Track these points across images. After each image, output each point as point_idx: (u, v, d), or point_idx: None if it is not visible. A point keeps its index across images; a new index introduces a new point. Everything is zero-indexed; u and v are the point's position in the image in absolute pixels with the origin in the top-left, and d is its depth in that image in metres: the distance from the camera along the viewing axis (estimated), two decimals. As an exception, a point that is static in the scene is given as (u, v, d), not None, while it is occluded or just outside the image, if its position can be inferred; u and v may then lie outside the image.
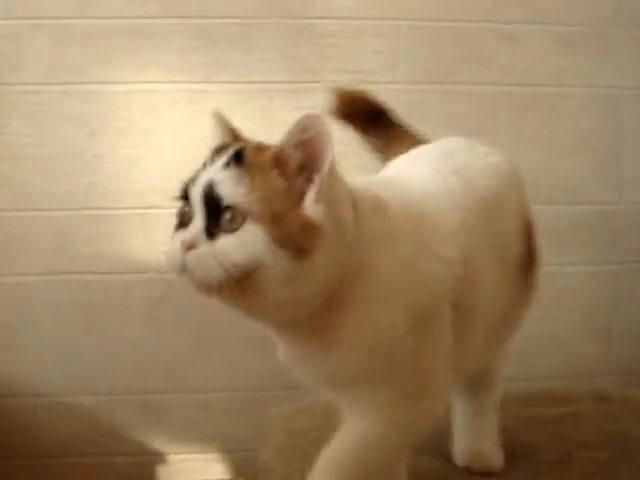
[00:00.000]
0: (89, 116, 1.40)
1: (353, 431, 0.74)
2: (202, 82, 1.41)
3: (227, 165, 0.67)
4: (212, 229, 0.65)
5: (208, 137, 1.40)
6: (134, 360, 1.45)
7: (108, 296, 1.43)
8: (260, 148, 0.68)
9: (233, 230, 0.64)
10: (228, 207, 0.65)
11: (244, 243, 0.64)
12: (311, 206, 0.65)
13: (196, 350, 1.46)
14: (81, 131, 1.41)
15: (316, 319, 0.69)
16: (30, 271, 1.42)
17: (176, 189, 0.69)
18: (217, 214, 0.65)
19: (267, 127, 1.41)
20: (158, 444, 1.46)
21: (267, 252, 0.64)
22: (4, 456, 1.43)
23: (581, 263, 1.50)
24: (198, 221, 0.66)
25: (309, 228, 0.65)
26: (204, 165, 0.70)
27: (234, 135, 0.75)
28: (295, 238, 0.64)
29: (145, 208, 1.42)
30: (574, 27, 1.45)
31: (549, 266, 1.46)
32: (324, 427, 1.00)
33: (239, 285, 0.64)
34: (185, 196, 0.69)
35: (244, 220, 0.64)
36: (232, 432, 1.45)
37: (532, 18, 1.44)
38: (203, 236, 0.65)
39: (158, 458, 1.46)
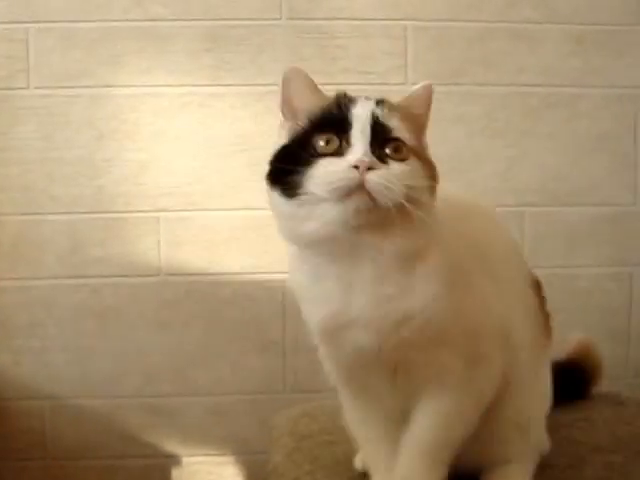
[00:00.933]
0: (97, 120, 1.43)
1: (430, 413, 0.79)
2: (210, 85, 1.44)
3: (381, 104, 0.75)
4: (382, 156, 0.72)
5: (216, 138, 1.44)
6: (145, 363, 1.49)
7: (119, 300, 1.47)
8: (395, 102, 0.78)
9: (400, 159, 0.73)
10: (396, 139, 0.74)
11: (416, 171, 0.73)
12: (427, 154, 0.77)
13: (207, 353, 1.49)
14: (89, 135, 1.44)
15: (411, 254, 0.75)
16: (40, 275, 1.46)
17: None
18: (382, 144, 0.73)
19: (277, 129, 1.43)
20: (170, 447, 1.50)
21: (424, 179, 0.73)
22: (17, 459, 1.48)
23: (597, 265, 1.53)
24: (365, 145, 0.72)
25: (434, 169, 0.77)
26: (342, 103, 0.76)
27: (314, 86, 0.81)
28: (433, 174, 0.76)
29: (155, 211, 1.46)
30: (589, 26, 1.47)
31: (566, 268, 1.51)
32: (329, 430, 1.05)
33: (412, 205, 0.71)
34: (332, 129, 0.73)
35: (409, 154, 0.74)
36: (245, 434, 1.49)
37: (545, 17, 1.46)
38: (376, 160, 0.71)
39: (171, 461, 1.49)
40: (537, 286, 0.91)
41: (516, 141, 1.48)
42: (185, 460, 1.50)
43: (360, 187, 0.69)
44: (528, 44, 1.46)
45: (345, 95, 0.78)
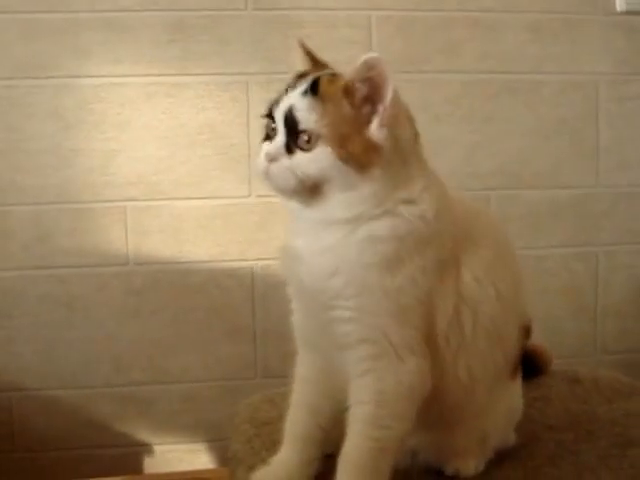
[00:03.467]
0: (64, 110, 1.54)
1: (365, 389, 0.88)
2: (177, 74, 1.55)
3: (305, 93, 0.86)
4: (291, 146, 0.86)
5: (182, 128, 1.52)
6: (115, 352, 1.60)
7: (87, 289, 1.58)
8: (333, 79, 0.88)
9: (308, 149, 0.85)
10: (304, 130, 0.85)
11: (316, 160, 0.85)
12: (376, 130, 0.85)
13: (177, 341, 1.62)
14: (56, 125, 1.54)
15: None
16: (7, 266, 1.56)
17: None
18: (295, 134, 0.85)
19: (243, 118, 1.54)
20: (142, 435, 1.62)
21: (334, 167, 0.85)
22: (-16, 452, 1.58)
23: (562, 246, 1.69)
24: (280, 138, 0.87)
25: (370, 149, 0.85)
26: (287, 89, 0.88)
27: (314, 60, 0.95)
28: (357, 157, 0.85)
29: (122, 201, 1.57)
30: (546, 15, 1.63)
31: (531, 249, 1.64)
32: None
33: (309, 191, 0.86)
34: (270, 114, 0.88)
35: (317, 142, 0.85)
36: (216, 421, 1.62)
37: (504, 6, 1.61)
38: (283, 151, 0.86)
39: (142, 449, 1.62)
40: (525, 329, 1.00)
41: (480, 126, 1.63)
42: (157, 448, 1.63)
43: (266, 174, 0.87)
44: (489, 32, 1.61)
45: (297, 77, 0.90)
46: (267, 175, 0.86)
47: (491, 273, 0.92)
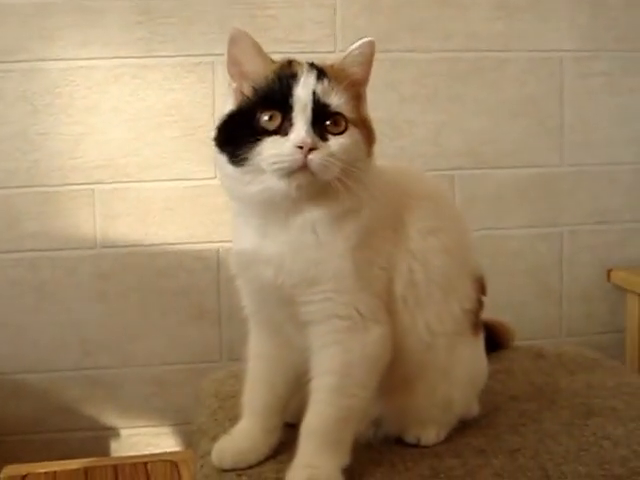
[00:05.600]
0: (31, 94, 1.64)
1: (327, 360, 0.92)
2: (143, 57, 1.66)
3: (320, 78, 0.88)
4: (322, 132, 0.87)
5: (150, 110, 1.59)
6: (83, 336, 1.70)
7: (55, 273, 1.68)
8: (331, 65, 0.92)
9: (339, 133, 0.87)
10: (335, 113, 0.88)
11: (352, 142, 0.88)
12: (365, 110, 0.92)
13: (144, 324, 1.72)
14: (23, 109, 1.64)
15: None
16: None
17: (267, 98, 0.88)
18: (322, 120, 0.87)
19: (209, 99, 1.63)
20: (110, 419, 1.72)
21: (361, 149, 0.89)
22: (-48, 437, 1.70)
23: (527, 226, 1.80)
24: (306, 126, 0.86)
25: (371, 129, 0.92)
26: (284, 79, 0.88)
27: (259, 50, 0.93)
28: (370, 136, 0.91)
29: (91, 184, 1.66)
30: None
31: (496, 230, 1.70)
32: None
33: (347, 176, 0.87)
34: (274, 106, 0.87)
35: (347, 125, 0.88)
36: (183, 404, 1.71)
37: None
38: (317, 139, 0.86)
39: (110, 433, 1.72)
40: (478, 282, 1.04)
41: (445, 106, 1.74)
42: (124, 432, 1.73)
43: (303, 167, 0.85)
44: (455, 10, 1.72)
45: (290, 65, 0.91)
46: (308, 167, 0.84)
47: (434, 226, 0.97)
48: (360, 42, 0.91)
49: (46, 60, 1.62)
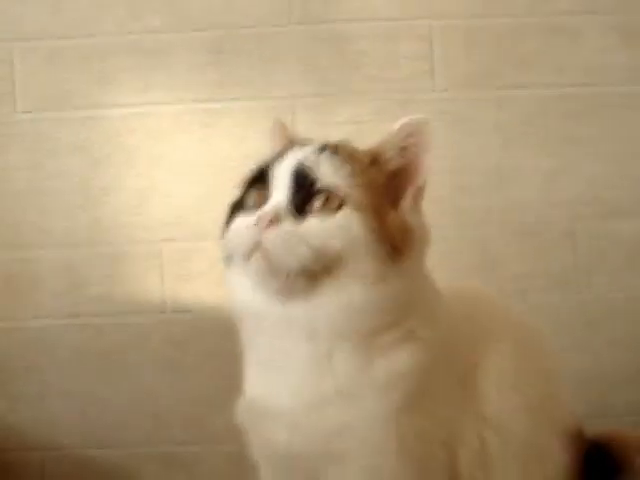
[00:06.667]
0: (90, 144, 1.53)
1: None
2: (214, 100, 1.52)
3: (321, 150, 0.74)
4: (299, 208, 0.71)
5: (222, 160, 1.50)
6: (154, 408, 1.57)
7: (122, 340, 1.56)
8: (351, 145, 0.78)
9: (326, 214, 0.71)
10: (323, 190, 0.71)
11: (339, 228, 0.70)
12: (407, 211, 0.74)
13: (221, 396, 1.52)
14: (82, 161, 1.53)
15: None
16: (38, 314, 1.55)
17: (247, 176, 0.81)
18: (307, 196, 0.72)
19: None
20: None
21: (363, 242, 0.70)
22: (13, 514, 1.60)
23: None
24: (280, 197, 0.72)
25: (406, 230, 0.73)
26: (277, 154, 0.77)
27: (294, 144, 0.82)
28: (394, 235, 0.71)
29: (158, 242, 1.54)
30: (638, 15, 1.53)
31: (628, 291, 1.53)
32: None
33: (316, 276, 0.69)
34: (254, 182, 0.78)
35: (341, 205, 0.71)
36: None
37: (585, 8, 1.52)
38: (288, 212, 0.71)
39: None
40: (572, 438, 0.84)
41: (559, 150, 1.55)
42: None
43: (257, 247, 0.70)
44: (568, 40, 1.53)
45: (292, 142, 0.81)
46: (258, 247, 0.69)
47: (516, 378, 0.78)
48: (402, 121, 0.74)
49: (106, 107, 1.51)
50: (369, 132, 1.47)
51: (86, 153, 1.52)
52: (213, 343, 1.55)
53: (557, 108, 1.54)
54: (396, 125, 0.73)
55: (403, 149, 0.74)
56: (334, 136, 1.44)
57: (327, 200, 0.70)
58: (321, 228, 0.69)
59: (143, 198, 1.53)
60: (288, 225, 0.69)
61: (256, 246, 0.70)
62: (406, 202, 0.73)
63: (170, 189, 1.53)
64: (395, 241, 0.70)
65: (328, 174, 0.71)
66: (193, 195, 1.53)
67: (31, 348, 1.54)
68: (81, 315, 1.54)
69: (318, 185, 0.71)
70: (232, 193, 1.51)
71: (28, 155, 1.51)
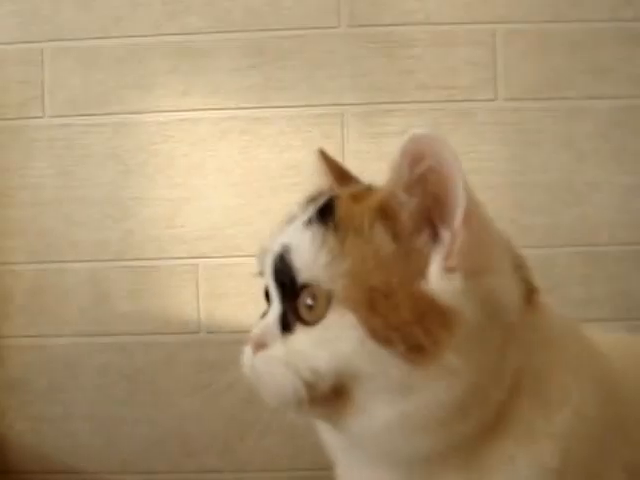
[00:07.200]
0: (123, 152, 1.48)
1: None
2: (256, 107, 1.47)
3: (309, 223, 0.58)
4: (288, 318, 0.58)
5: (263, 170, 1.44)
6: (184, 433, 1.52)
7: (152, 360, 1.51)
8: (361, 195, 0.60)
9: (315, 320, 0.56)
10: (305, 285, 0.57)
11: (327, 340, 0.55)
12: (439, 278, 0.54)
13: (255, 422, 1.46)
14: (114, 169, 1.48)
15: (467, 452, 0.56)
16: (61, 332, 1.50)
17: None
18: (293, 298, 0.58)
19: (337, 157, 1.41)
20: None
21: (362, 353, 0.54)
22: (36, 540, 1.57)
23: None
24: (275, 306, 0.60)
25: (434, 313, 0.53)
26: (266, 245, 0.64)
27: (343, 178, 0.68)
28: (408, 330, 0.53)
29: (193, 258, 1.49)
30: None
31: None
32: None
33: (329, 401, 0.57)
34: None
35: (329, 304, 0.55)
36: None
37: None
38: (277, 329, 0.59)
39: None
40: None
41: (636, 165, 1.46)
42: None
43: (254, 373, 0.62)
44: None
45: (303, 206, 0.65)
46: (255, 373, 0.61)
47: None
48: (401, 145, 0.54)
49: (141, 112, 1.46)
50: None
51: (118, 161, 1.47)
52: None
53: (634, 120, 1.45)
54: (396, 152, 0.54)
55: (418, 181, 0.54)
56: (386, 149, 1.39)
57: (314, 298, 0.56)
58: (308, 343, 0.56)
59: (178, 210, 1.47)
60: (277, 347, 0.59)
61: (253, 372, 0.62)
62: (435, 264, 0.54)
63: (207, 200, 1.47)
64: (413, 337, 0.52)
65: (309, 262, 0.56)
66: (231, 208, 1.48)
67: (55, 367, 1.50)
68: (108, 333, 1.49)
69: (299, 280, 0.57)
70: (272, 205, 1.48)
71: (57, 162, 1.47)
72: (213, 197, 1.47)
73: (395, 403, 0.54)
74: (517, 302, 0.56)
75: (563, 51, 1.44)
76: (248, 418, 1.47)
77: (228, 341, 1.48)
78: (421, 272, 0.54)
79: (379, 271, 0.54)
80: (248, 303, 1.47)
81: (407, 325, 0.52)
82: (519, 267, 0.58)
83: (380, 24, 1.44)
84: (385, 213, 0.56)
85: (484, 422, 0.54)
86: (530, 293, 0.58)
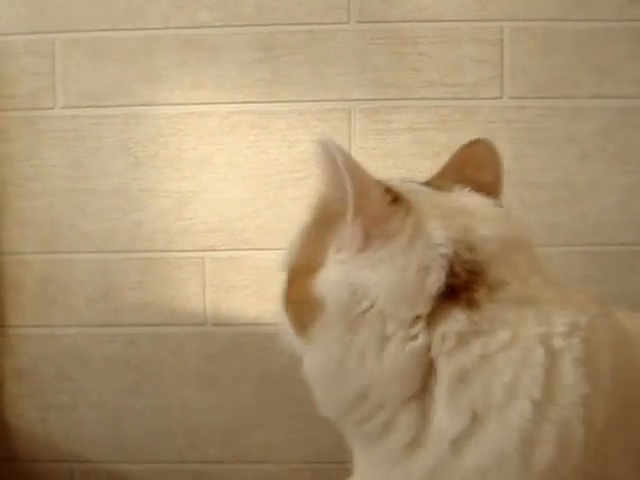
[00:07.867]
0: (133, 144, 1.49)
1: None
2: (264, 102, 1.47)
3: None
4: None
5: (272, 164, 1.46)
6: (188, 424, 1.53)
7: (158, 352, 1.52)
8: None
9: None
10: None
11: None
12: (327, 269, 0.64)
13: (260, 414, 1.53)
14: (124, 161, 1.49)
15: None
16: (69, 322, 1.52)
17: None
18: None
19: None
20: None
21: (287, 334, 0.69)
22: (43, 528, 1.58)
23: None
24: None
25: (308, 300, 0.64)
26: None
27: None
28: (293, 307, 0.67)
29: (200, 250, 1.50)
30: None
31: None
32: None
33: None
34: None
35: None
36: None
37: None
38: None
39: None
40: None
41: (639, 165, 1.47)
42: None
43: None
44: None
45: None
46: None
47: None
48: (314, 150, 0.62)
49: (151, 105, 1.47)
50: (430, 140, 1.42)
51: (128, 153, 1.48)
52: (252, 359, 1.51)
53: (638, 120, 1.45)
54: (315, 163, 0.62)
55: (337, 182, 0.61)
56: (393, 145, 1.41)
57: None
58: None
59: (186, 202, 1.48)
60: None
61: None
62: (331, 253, 0.64)
63: (215, 194, 1.48)
64: (293, 314, 0.67)
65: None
66: (239, 201, 1.48)
67: (63, 357, 1.52)
68: (116, 324, 1.51)
69: None
70: (280, 199, 1.49)
71: (67, 153, 1.48)
72: (221, 190, 1.48)
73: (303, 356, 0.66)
74: (418, 298, 0.60)
75: (569, 50, 1.44)
76: (251, 410, 1.51)
77: (234, 333, 1.52)
78: (322, 262, 0.64)
79: (303, 249, 0.67)
80: (254, 296, 1.50)
81: (294, 303, 0.66)
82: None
83: (389, 20, 1.44)
84: (323, 209, 0.66)
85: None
86: (466, 288, 0.61)
